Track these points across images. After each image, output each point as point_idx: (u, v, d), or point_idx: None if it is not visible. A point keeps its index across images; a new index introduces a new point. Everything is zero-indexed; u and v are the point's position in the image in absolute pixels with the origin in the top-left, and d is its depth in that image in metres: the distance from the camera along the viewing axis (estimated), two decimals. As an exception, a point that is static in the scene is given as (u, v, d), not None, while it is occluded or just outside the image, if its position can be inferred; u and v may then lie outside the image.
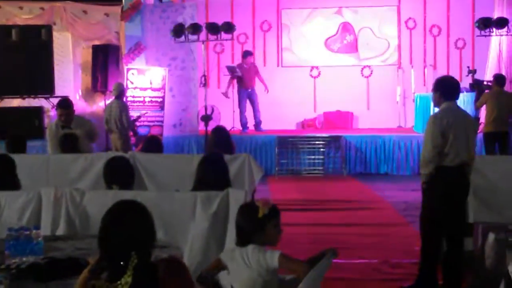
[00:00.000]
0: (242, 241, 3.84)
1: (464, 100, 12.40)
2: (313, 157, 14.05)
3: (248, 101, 14.87)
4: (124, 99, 12.34)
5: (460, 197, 6.01)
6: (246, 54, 15.23)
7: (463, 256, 5.99)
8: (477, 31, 14.70)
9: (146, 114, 14.18)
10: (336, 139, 14.18)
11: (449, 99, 5.93)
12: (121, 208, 2.96)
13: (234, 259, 3.81)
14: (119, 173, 5.53)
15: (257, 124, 15.06)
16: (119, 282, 2.80)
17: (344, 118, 16.30)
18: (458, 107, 6.08)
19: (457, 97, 6.01)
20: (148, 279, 2.82)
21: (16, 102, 13.75)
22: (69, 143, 7.58)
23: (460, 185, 5.95)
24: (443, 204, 5.87)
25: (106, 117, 11.67)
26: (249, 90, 14.84)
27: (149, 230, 2.96)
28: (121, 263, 2.84)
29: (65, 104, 8.59)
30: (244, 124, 14.96)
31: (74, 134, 7.86)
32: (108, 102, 12.72)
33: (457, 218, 5.99)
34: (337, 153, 14.09)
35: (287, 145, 14.13)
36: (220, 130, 7.65)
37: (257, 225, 3.78)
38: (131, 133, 12.36)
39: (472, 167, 6.07)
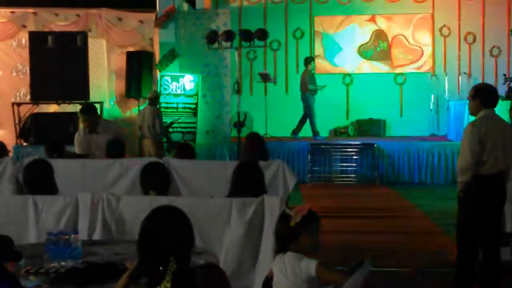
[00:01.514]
0: (280, 248, 3.83)
1: (500, 109, 12.25)
2: (345, 164, 14.00)
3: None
4: (158, 106, 12.42)
5: (497, 206, 5.94)
6: (311, 59, 15.20)
7: (500, 266, 5.92)
8: (512, 39, 14.58)
9: (179, 121, 14.24)
10: (369, 146, 14.11)
11: (488, 107, 5.88)
12: (161, 213, 2.97)
13: (275, 267, 3.81)
14: (156, 179, 5.56)
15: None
16: (158, 287, 2.81)
17: (376, 125, 16.21)
18: (496, 115, 6.02)
19: (496, 104, 5.96)
20: (187, 284, 2.82)
21: (51, 108, 13.91)
22: (117, 150, 7.64)
23: (497, 194, 5.88)
24: (480, 213, 5.81)
25: (139, 123, 11.75)
26: (314, 96, 14.89)
27: (188, 235, 2.97)
28: (160, 268, 2.85)
29: (85, 110, 8.70)
30: (317, 132, 14.97)
31: (121, 141, 7.95)
32: (141, 108, 12.82)
33: (494, 227, 5.93)
34: (370, 161, 14.01)
35: (320, 152, 14.09)
36: (254, 137, 7.65)
37: (290, 234, 3.76)
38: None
39: (509, 175, 6.01)
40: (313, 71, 15.30)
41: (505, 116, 11.78)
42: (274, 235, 3.90)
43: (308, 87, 14.81)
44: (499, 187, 5.92)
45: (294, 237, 3.74)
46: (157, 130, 11.52)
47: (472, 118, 6.08)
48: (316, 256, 3.78)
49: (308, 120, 15.00)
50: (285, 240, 3.78)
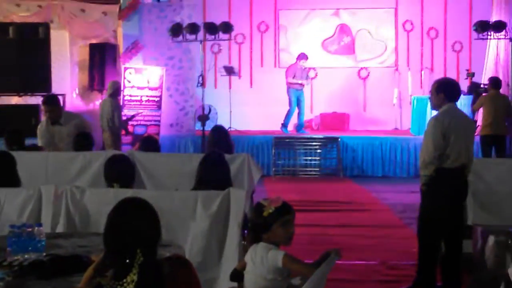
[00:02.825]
0: (253, 238, 3.84)
1: (462, 103, 12.44)
2: (309, 158, 14.06)
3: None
4: (119, 98, 12.28)
5: (459, 199, 6.02)
6: (302, 56, 15.14)
7: (462, 258, 6.00)
8: (474, 34, 14.71)
9: (142, 114, 14.12)
10: (333, 140, 14.19)
11: (452, 101, 5.94)
12: (127, 205, 2.94)
13: (247, 257, 3.83)
14: (121, 171, 5.51)
15: (300, 126, 15.12)
16: (124, 280, 2.79)
17: (340, 119, 16.27)
18: (458, 109, 6.09)
19: (458, 98, 6.04)
20: (154, 276, 2.81)
21: (13, 100, 13.71)
22: (84, 143, 7.58)
23: (460, 187, 5.96)
24: (443, 206, 5.87)
25: (100, 114, 11.64)
26: (299, 91, 14.88)
27: (155, 227, 2.95)
28: (127, 260, 2.82)
29: (48, 101, 8.62)
30: (285, 126, 15.02)
31: (89, 134, 7.89)
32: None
33: (456, 220, 6.00)
34: (334, 155, 14.09)
35: (284, 145, 14.13)
36: (219, 129, 7.63)
37: (263, 224, 3.78)
38: (123, 132, 12.32)
39: (470, 169, 6.08)
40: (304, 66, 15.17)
41: (466, 111, 12.01)
42: (239, 227, 3.90)
43: (288, 80, 14.88)
44: (462, 181, 5.99)
45: (267, 227, 3.77)
46: (115, 123, 11.39)
47: (435, 112, 6.13)
48: (286, 248, 3.80)
49: (290, 111, 15.07)
50: (258, 230, 3.81)
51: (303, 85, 14.95)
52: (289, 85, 14.88)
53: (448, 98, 5.93)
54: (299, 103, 14.95)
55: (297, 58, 15.17)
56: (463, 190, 6.05)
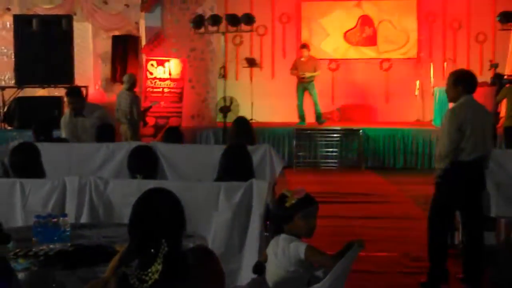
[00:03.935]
0: (274, 229, 3.85)
1: (485, 94, 12.36)
2: (331, 150, 14.03)
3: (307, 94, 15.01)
4: (136, 91, 12.29)
5: (475, 191, 5.95)
6: (301, 46, 15.17)
7: (483, 250, 5.96)
8: (498, 25, 14.58)
9: (163, 105, 14.14)
10: (354, 132, 14.15)
11: (469, 93, 5.89)
12: (152, 196, 2.96)
13: (269, 248, 3.83)
14: (144, 163, 5.53)
15: (317, 117, 15.12)
16: (149, 270, 2.81)
17: (362, 111, 16.24)
18: (475, 101, 6.02)
19: (475, 90, 5.98)
20: (179, 267, 2.82)
21: (36, 92, 13.83)
22: (106, 135, 7.63)
23: (475, 179, 5.90)
24: (456, 199, 5.83)
25: (116, 107, 11.65)
26: (305, 83, 14.86)
27: (180, 218, 2.97)
28: (152, 250, 2.84)
29: (71, 93, 8.70)
30: (301, 117, 15.05)
31: (111, 126, 7.93)
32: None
33: (474, 212, 5.95)
34: (355, 146, 14.05)
35: (305, 137, 14.11)
36: (241, 121, 7.64)
37: (285, 214, 3.78)
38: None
39: (489, 160, 6.03)
40: (303, 58, 15.11)
41: (490, 102, 11.91)
42: (262, 218, 3.91)
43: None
44: (478, 173, 5.92)
45: (289, 219, 3.77)
46: (134, 116, 11.39)
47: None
48: (308, 240, 3.80)
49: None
50: (280, 221, 3.81)
51: (305, 77, 14.84)
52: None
53: (466, 91, 5.87)
54: (310, 95, 14.93)
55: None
56: (479, 182, 5.98)
